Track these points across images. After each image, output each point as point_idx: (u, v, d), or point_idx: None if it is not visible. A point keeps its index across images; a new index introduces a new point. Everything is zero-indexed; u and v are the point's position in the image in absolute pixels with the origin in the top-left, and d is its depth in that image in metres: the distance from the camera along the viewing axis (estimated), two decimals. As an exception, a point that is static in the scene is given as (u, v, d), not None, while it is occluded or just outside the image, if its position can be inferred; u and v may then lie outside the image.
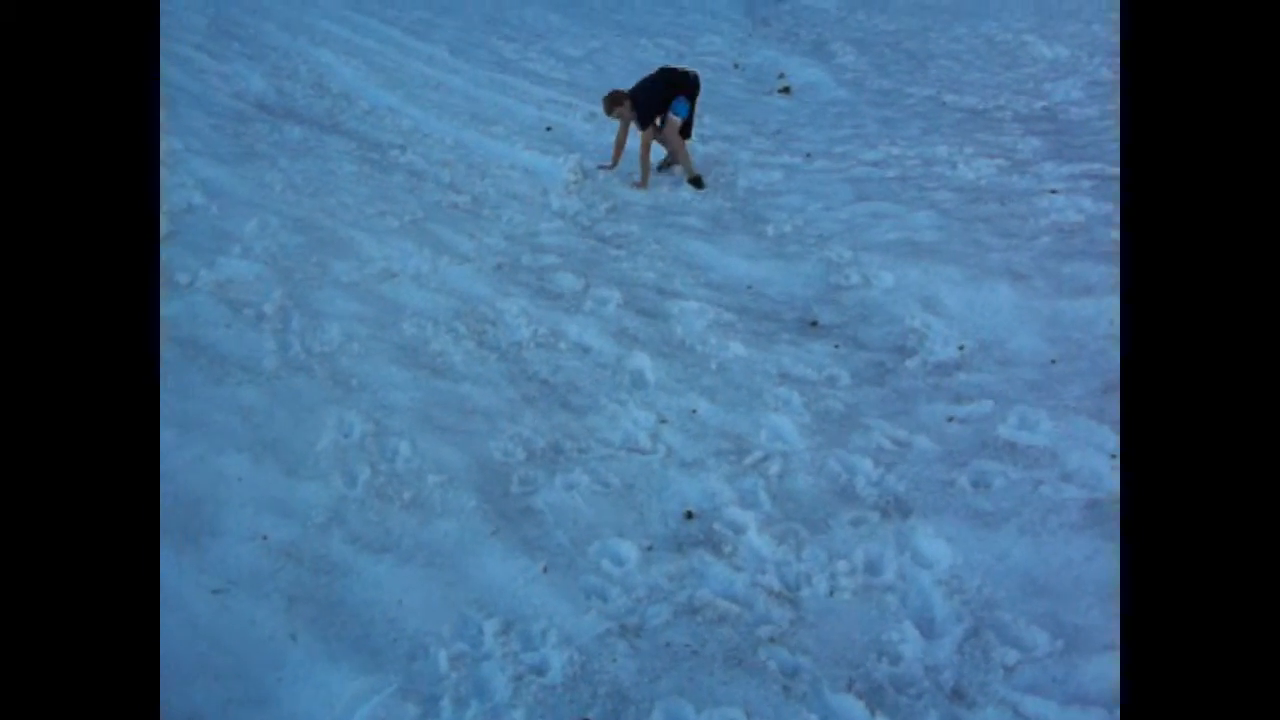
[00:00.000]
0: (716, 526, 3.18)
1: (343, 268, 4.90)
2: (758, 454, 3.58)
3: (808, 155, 7.82)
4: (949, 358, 4.39)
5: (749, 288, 5.30)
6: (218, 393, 3.63)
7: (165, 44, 8.30)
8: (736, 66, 13.52)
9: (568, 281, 5.13)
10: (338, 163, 6.60)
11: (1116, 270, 4.82)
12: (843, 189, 6.76)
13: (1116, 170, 6.78)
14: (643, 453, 3.59)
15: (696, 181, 7.19)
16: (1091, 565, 2.86)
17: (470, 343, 4.31)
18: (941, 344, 4.51)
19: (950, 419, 3.83)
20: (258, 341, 4.04)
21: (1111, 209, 5.85)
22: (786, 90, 11.61)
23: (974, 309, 4.75)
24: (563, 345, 4.40)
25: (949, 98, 10.68)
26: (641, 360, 4.25)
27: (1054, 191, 6.34)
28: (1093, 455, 3.41)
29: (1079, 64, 12.20)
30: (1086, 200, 6.06)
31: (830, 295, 5.14)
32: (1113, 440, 3.46)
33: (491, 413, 3.77)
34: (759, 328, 4.73)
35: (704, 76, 12.31)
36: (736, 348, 4.40)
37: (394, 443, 3.48)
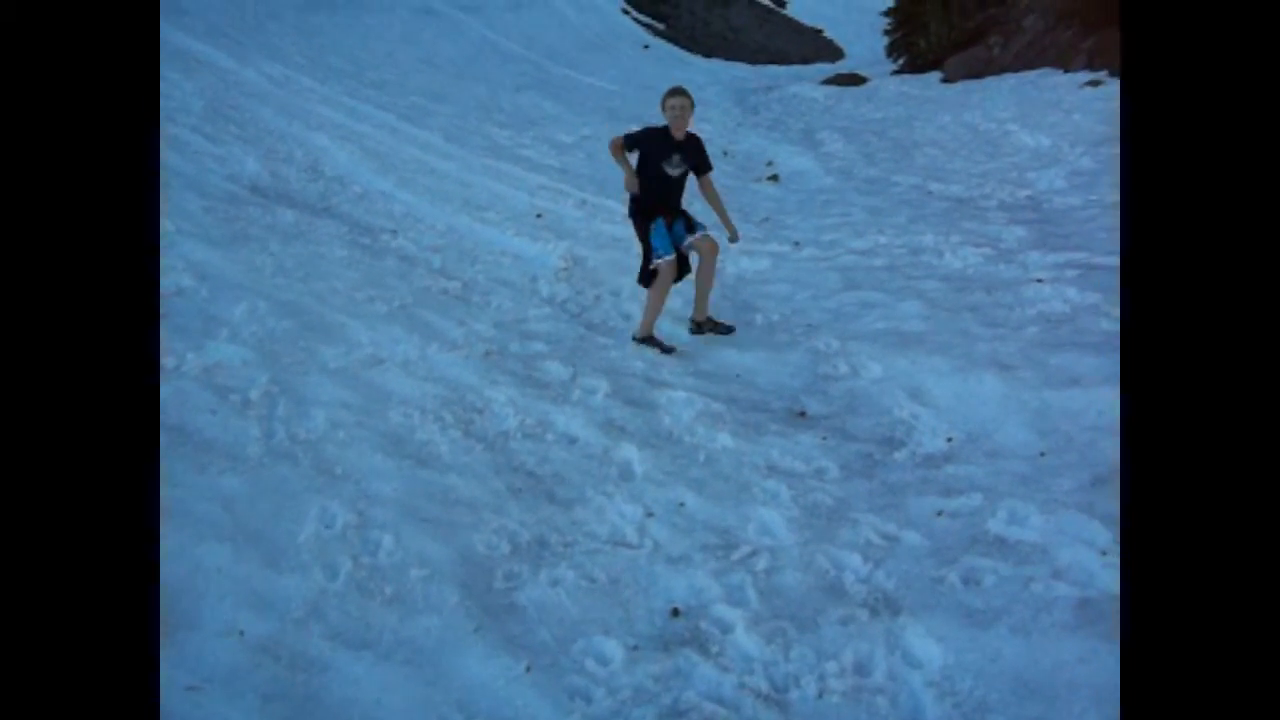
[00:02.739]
0: (703, 625, 3.13)
1: (330, 353, 4.88)
2: (745, 549, 3.53)
3: (796, 243, 7.92)
4: (937, 450, 4.37)
5: (737, 377, 5.31)
6: (200, 481, 3.58)
7: (162, 126, 8.38)
8: (726, 154, 13.73)
9: (556, 370, 5.12)
10: (329, 247, 6.63)
11: (1104, 361, 4.86)
12: (831, 277, 6.82)
13: (1101, 259, 6.86)
14: (629, 547, 3.54)
15: (650, 343, 5.77)
16: (1085, 668, 2.81)
17: (457, 432, 4.28)
18: (930, 435, 4.50)
19: (939, 513, 3.79)
20: (242, 428, 4.00)
21: (1098, 298, 5.90)
22: (775, 178, 11.80)
23: (962, 400, 4.75)
24: (550, 436, 4.38)
25: (935, 186, 10.85)
26: (629, 451, 4.23)
27: (1039, 281, 6.39)
28: (1083, 552, 3.38)
29: (1061, 153, 12.40)
30: (1072, 290, 6.11)
31: (818, 385, 5.14)
32: (1104, 536, 3.43)
33: (476, 504, 3.73)
34: (747, 418, 4.72)
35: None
36: (724, 439, 4.39)
37: (377, 535, 3.43)
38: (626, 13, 38.34)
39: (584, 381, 4.98)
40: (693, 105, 5.75)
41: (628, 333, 5.94)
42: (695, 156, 5.89)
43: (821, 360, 5.39)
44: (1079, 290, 6.09)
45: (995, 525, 3.63)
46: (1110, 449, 4.08)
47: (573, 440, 4.37)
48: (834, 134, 15.89)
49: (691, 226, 5.91)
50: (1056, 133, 13.79)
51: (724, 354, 5.55)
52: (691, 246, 5.88)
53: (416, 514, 3.59)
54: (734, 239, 6.15)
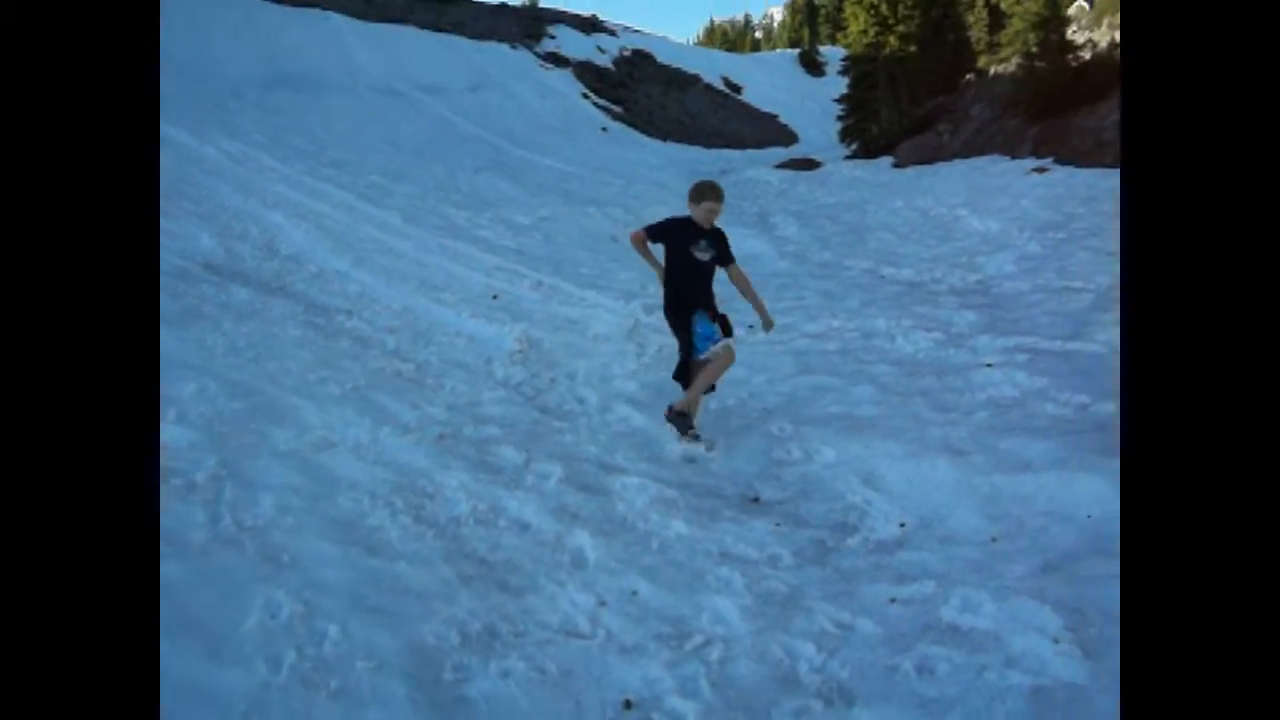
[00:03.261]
0: (656, 717, 3.08)
1: (281, 436, 4.81)
2: (699, 638, 3.50)
3: (750, 327, 7.98)
4: (890, 536, 4.38)
5: (692, 462, 5.31)
6: (139, 570, 3.48)
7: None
8: (681, 237, 13.90)
9: (509, 455, 5.09)
10: (283, 326, 6.59)
11: (1052, 445, 4.93)
12: (785, 361, 6.89)
13: (1048, 344, 7.00)
14: (581, 637, 3.49)
15: (678, 415, 5.50)
16: (1037, 761, 2.80)
17: (407, 518, 4.23)
18: (883, 521, 4.52)
19: (893, 600, 3.79)
20: (186, 513, 3.92)
21: (1045, 383, 6.01)
22: (730, 261, 11.93)
23: (914, 485, 4.79)
24: (502, 522, 4.33)
25: (887, 270, 11.05)
26: (582, 538, 4.19)
27: (989, 365, 6.51)
28: (1036, 639, 3.38)
29: (1009, 238, 12.70)
30: (1021, 374, 6.22)
31: (772, 470, 5.16)
32: (1055, 623, 3.44)
33: (426, 593, 3.66)
34: (701, 504, 4.71)
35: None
36: (678, 526, 4.37)
37: (323, 625, 3.35)
38: (586, 97, 39.05)
39: (537, 466, 4.95)
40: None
41: (582, 416, 5.93)
42: (721, 246, 5.81)
43: (775, 445, 5.41)
44: (1028, 375, 6.21)
45: (948, 613, 3.63)
46: (1061, 534, 4.13)
47: (525, 526, 4.33)
48: (788, 218, 16.19)
49: (727, 331, 5.72)
50: (1005, 218, 14.15)
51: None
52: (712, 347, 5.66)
53: (364, 603, 3.52)
54: (768, 327, 6.00)
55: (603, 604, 3.71)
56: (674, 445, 5.49)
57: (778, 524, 4.52)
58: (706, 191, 5.67)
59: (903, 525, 4.46)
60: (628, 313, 8.31)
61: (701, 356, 5.48)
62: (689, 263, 5.66)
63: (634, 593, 3.81)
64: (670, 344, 7.47)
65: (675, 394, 5.76)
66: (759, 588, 3.90)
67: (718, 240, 5.78)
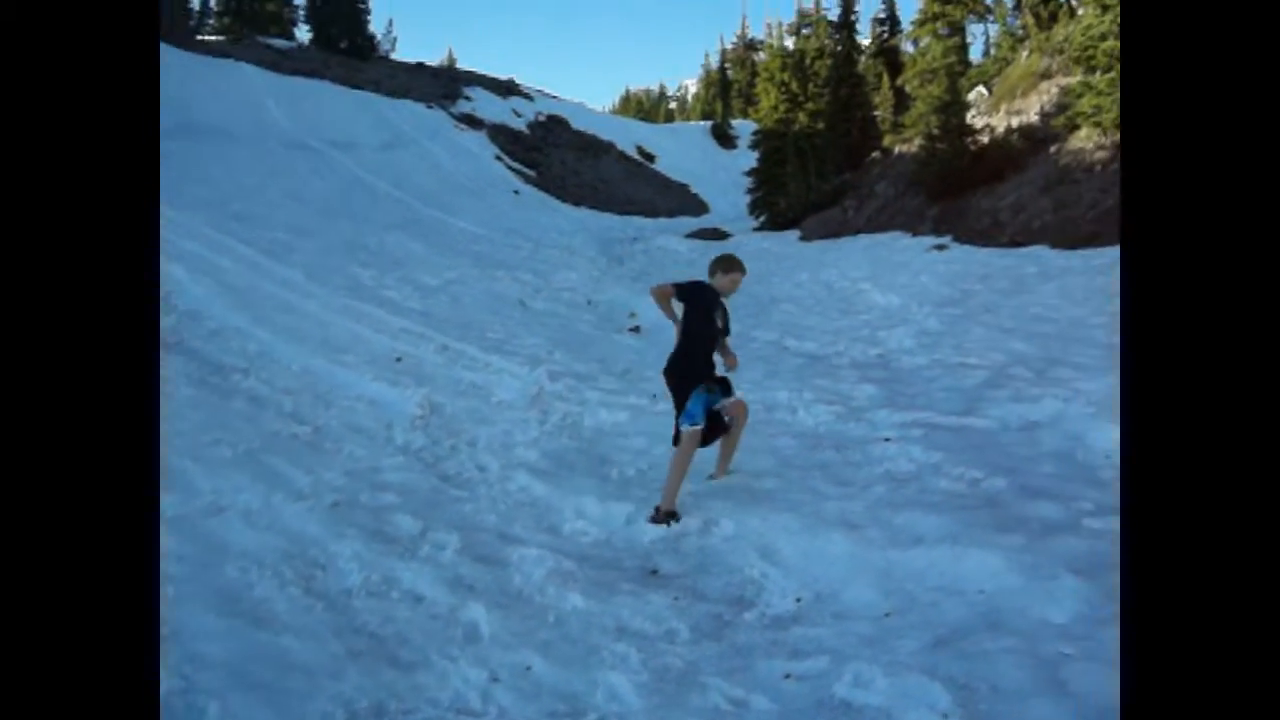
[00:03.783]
0: (546, 800, 3.02)
1: (168, 500, 4.66)
2: (592, 716, 3.45)
3: (654, 396, 8.04)
4: (786, 610, 4.40)
5: (589, 533, 5.28)
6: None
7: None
8: (590, 303, 13.97)
9: (405, 523, 5.00)
10: (174, 385, 6.41)
11: (944, 520, 5.03)
12: (687, 433, 6.93)
13: (943, 419, 7.18)
14: (473, 715, 3.42)
15: (662, 515, 5.40)
16: (924, 842, 2.82)
17: (296, 589, 4.11)
18: (779, 596, 4.53)
19: (787, 676, 3.80)
20: (61, 584, 3.75)
21: (940, 458, 6.15)
22: (637, 329, 12.03)
23: (810, 559, 4.82)
24: (394, 594, 4.24)
25: (790, 342, 11.23)
26: (476, 612, 4.12)
27: (887, 439, 6.64)
28: (926, 716, 3.41)
29: (909, 313, 13.04)
30: (917, 449, 6.35)
31: (671, 543, 5.15)
32: (944, 699, 3.47)
33: (313, 669, 3.55)
34: (599, 576, 4.68)
35: (558, 314, 12.77)
36: (575, 599, 4.33)
37: (203, 701, 3.22)
38: (500, 159, 39.21)
39: (434, 536, 4.87)
40: None
41: (482, 485, 5.86)
42: (726, 319, 5.98)
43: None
44: (923, 449, 6.34)
45: (841, 689, 3.64)
46: (952, 609, 4.19)
47: (419, 599, 4.24)
48: (696, 287, 16.40)
49: (728, 390, 5.91)
50: (906, 293, 14.54)
51: (579, 508, 5.52)
52: (724, 409, 5.87)
53: (247, 679, 3.40)
54: (731, 367, 6.05)
55: (495, 680, 3.64)
56: (574, 513, 5.46)
57: (676, 597, 4.51)
58: (738, 263, 5.94)
59: (799, 600, 4.48)
60: (532, 379, 8.28)
61: (683, 429, 5.61)
62: (707, 328, 5.82)
63: (528, 668, 3.75)
64: (574, 413, 7.48)
65: (580, 463, 5.75)
66: (655, 663, 3.87)
67: (725, 312, 5.97)
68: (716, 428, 5.85)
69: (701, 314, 5.81)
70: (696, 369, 5.77)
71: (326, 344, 8.56)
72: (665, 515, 5.38)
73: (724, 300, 5.93)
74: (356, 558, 4.47)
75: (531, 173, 39.41)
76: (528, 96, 50.86)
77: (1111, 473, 5.72)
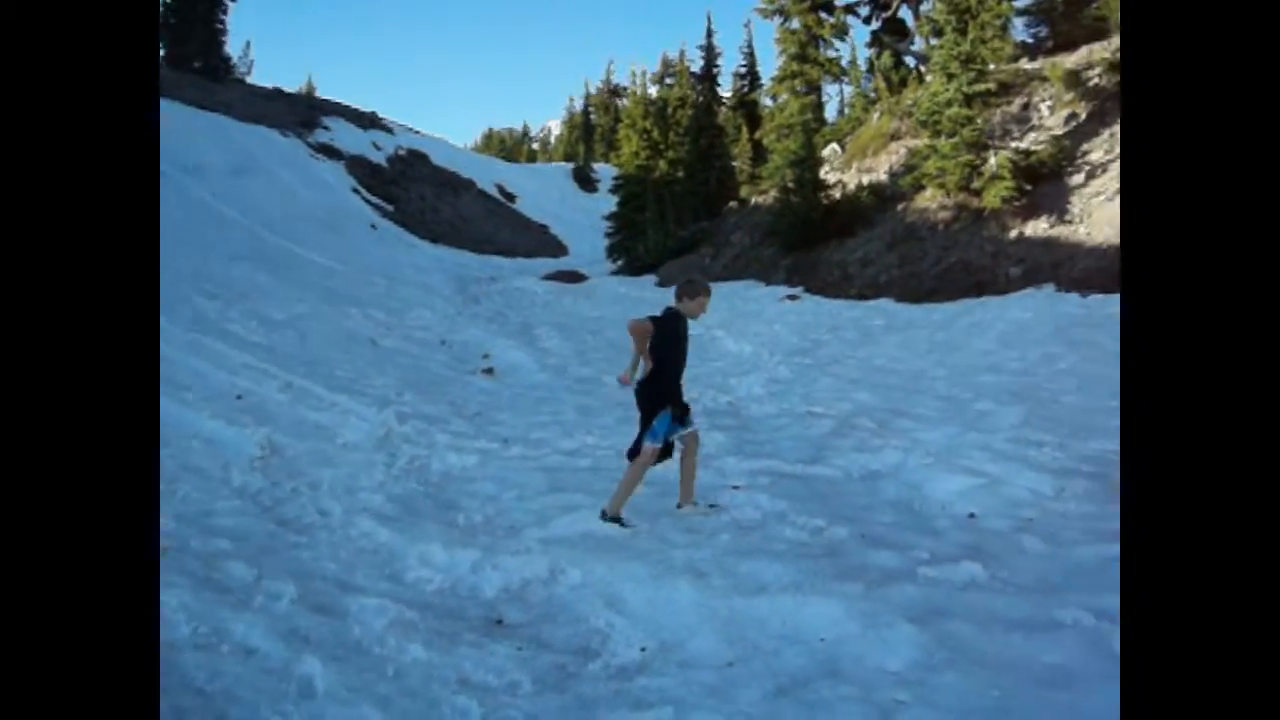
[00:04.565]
0: None
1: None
2: (429, 775, 3.36)
3: (505, 441, 7.97)
4: (631, 660, 4.38)
5: (433, 581, 5.16)
6: None
7: None
8: (444, 343, 13.78)
9: (239, 571, 4.78)
10: None
11: (788, 569, 5.11)
12: (537, 478, 6.87)
13: (789, 468, 7.34)
14: (302, 776, 3.27)
15: (615, 520, 5.97)
16: None
17: (116, 643, 3.87)
18: (624, 645, 4.51)
19: (630, 728, 3.78)
20: None
21: (785, 506, 6.27)
22: (490, 371, 11.92)
23: (656, 608, 4.82)
24: (225, 647, 4.03)
25: (642, 388, 11.28)
26: (312, 665, 3.95)
27: (735, 488, 6.73)
28: (764, 765, 3.46)
29: (761, 361, 13.31)
30: (763, 497, 6.46)
31: (518, 592, 5.08)
32: (785, 749, 3.53)
33: (129, 730, 3.34)
34: (441, 627, 4.57)
35: (410, 353, 12.55)
36: (416, 650, 4.21)
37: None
38: (357, 191, 38.45)
39: (269, 585, 4.67)
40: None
41: (323, 530, 5.67)
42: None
43: (523, 565, 5.35)
44: (770, 497, 6.46)
45: (683, 740, 3.65)
46: (793, 657, 4.25)
47: (250, 652, 4.05)
48: (551, 330, 16.38)
49: (686, 422, 6.23)
50: (758, 341, 14.86)
51: (423, 556, 5.39)
52: (681, 437, 6.22)
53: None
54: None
55: (328, 739, 3.50)
56: (418, 561, 5.33)
57: (520, 648, 4.44)
58: (702, 287, 6.29)
59: (644, 649, 4.47)
60: (380, 421, 8.09)
61: (643, 446, 6.04)
62: (682, 352, 6.21)
63: (363, 726, 3.62)
64: (422, 456, 7.33)
65: (426, 509, 5.62)
66: (496, 717, 3.79)
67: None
68: (665, 451, 6.21)
69: (674, 341, 6.14)
70: (670, 392, 6.15)
71: (164, 380, 8.16)
72: (611, 519, 5.92)
73: (694, 319, 6.29)
74: (184, 608, 4.24)
75: (390, 207, 38.79)
76: (388, 130, 50.15)
77: (946, 522, 5.95)
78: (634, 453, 6.13)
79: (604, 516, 5.95)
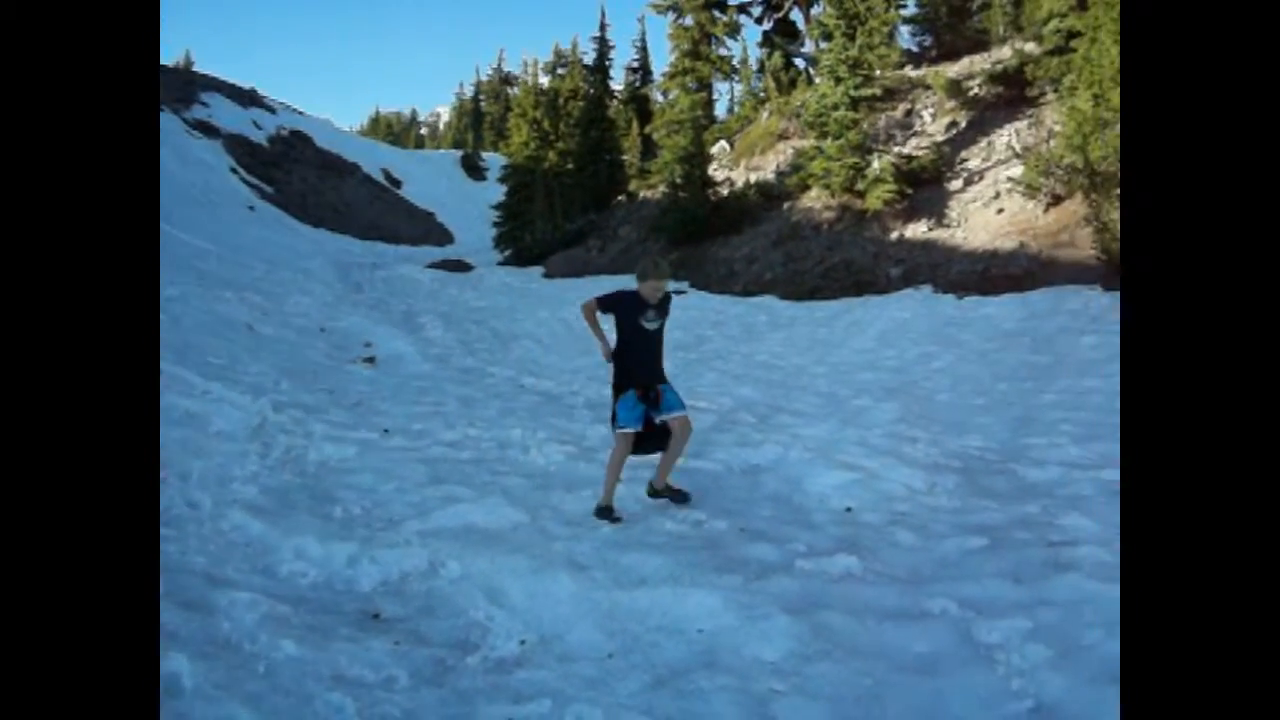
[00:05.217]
0: None
1: None
2: (301, 773, 3.28)
3: (385, 431, 7.82)
4: (510, 653, 4.36)
5: (308, 575, 5.04)
6: None
7: None
8: (323, 331, 13.46)
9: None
10: None
11: (667, 561, 5.16)
12: (417, 470, 6.77)
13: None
14: (165, 778, 3.16)
15: (605, 512, 5.97)
16: None
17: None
18: (504, 638, 4.48)
19: (509, 721, 3.76)
20: None
21: (666, 500, 6.32)
22: (371, 360, 11.70)
23: (536, 601, 4.81)
24: (82, 644, 3.87)
25: (528, 380, 11.26)
26: (178, 663, 3.81)
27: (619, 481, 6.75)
28: (643, 757, 3.48)
29: (644, 356, 13.30)
30: (643, 490, 6.50)
31: (396, 585, 5.00)
32: (661, 740, 3.55)
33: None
34: (316, 621, 4.46)
35: (288, 340, 12.23)
36: (289, 646, 4.10)
37: None
38: (235, 172, 37.25)
39: (133, 579, 4.49)
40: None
41: (192, 523, 5.47)
42: (665, 308, 6.15)
43: (402, 558, 5.26)
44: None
45: (561, 732, 3.65)
46: (672, 649, 4.29)
47: (111, 649, 3.89)
48: (436, 319, 16.15)
49: (668, 406, 6.06)
50: (642, 336, 14.87)
51: (299, 549, 5.25)
52: (668, 421, 6.06)
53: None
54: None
55: (195, 738, 3.38)
56: (294, 555, 5.20)
57: (397, 643, 4.37)
58: (650, 271, 6.03)
59: (523, 642, 4.45)
60: (255, 409, 7.86)
61: (616, 432, 6.02)
62: (638, 334, 6.05)
63: (232, 724, 3.51)
64: (298, 446, 7.15)
65: (302, 501, 5.46)
66: (371, 713, 3.72)
67: (663, 305, 6.14)
68: (660, 437, 6.10)
69: (626, 318, 6.05)
70: (627, 376, 6.07)
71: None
72: (603, 511, 5.95)
73: (653, 301, 6.05)
74: (39, 604, 4.05)
75: (270, 189, 37.68)
76: (270, 109, 48.67)
77: (824, 516, 6.09)
78: (644, 446, 6.15)
79: (596, 511, 5.97)
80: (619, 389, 6.10)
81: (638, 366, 6.10)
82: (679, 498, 6.29)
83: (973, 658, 4.05)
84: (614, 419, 6.09)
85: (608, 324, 6.27)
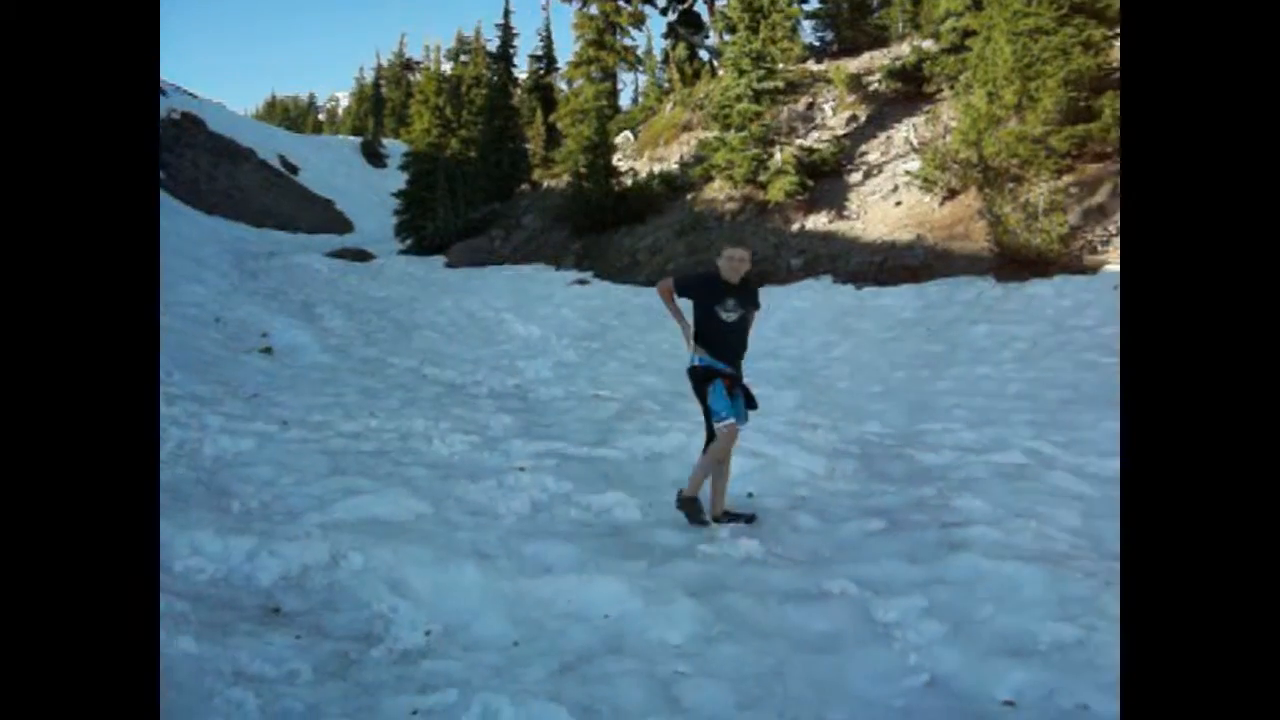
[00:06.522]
0: None
1: None
2: (201, 770, 3.21)
3: (284, 423, 7.67)
4: (415, 644, 4.33)
5: (205, 571, 4.92)
6: None
7: None
8: (218, 320, 13.10)
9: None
10: None
11: (572, 549, 5.19)
12: (318, 462, 6.66)
13: (575, 450, 7.42)
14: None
15: (690, 506, 5.65)
16: None
17: None
18: (408, 629, 4.45)
19: (414, 712, 3.74)
20: None
21: (570, 487, 6.35)
22: (268, 351, 11.44)
23: (441, 591, 4.79)
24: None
25: (430, 370, 11.16)
26: (67, 662, 3.70)
27: (521, 469, 6.75)
28: (547, 744, 3.50)
29: (549, 345, 13.37)
30: (549, 478, 6.52)
31: (297, 579, 4.91)
32: (568, 725, 3.58)
33: None
34: (214, 618, 4.36)
35: (180, 330, 11.88)
36: (186, 643, 4.00)
37: None
38: (121, 157, 35.84)
39: (19, 577, 4.33)
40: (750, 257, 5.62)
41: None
42: (749, 299, 5.66)
43: (302, 551, 5.17)
44: (555, 479, 6.52)
45: (468, 722, 3.65)
46: (578, 635, 4.32)
47: None
48: (335, 309, 15.86)
49: (750, 402, 5.70)
50: (547, 325, 14.91)
51: (194, 545, 5.12)
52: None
53: None
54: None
55: (86, 739, 3.28)
56: (189, 550, 5.06)
57: (299, 636, 4.30)
58: (735, 241, 5.58)
59: (428, 633, 4.43)
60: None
61: (717, 428, 5.52)
62: (714, 324, 5.56)
63: (125, 723, 3.42)
64: (192, 440, 6.96)
65: (197, 495, 5.33)
66: (273, 708, 3.66)
67: (746, 295, 5.64)
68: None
69: (704, 312, 5.59)
70: (712, 369, 5.61)
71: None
72: (685, 501, 5.65)
73: (741, 282, 5.61)
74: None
75: (160, 174, 36.39)
76: (160, 91, 47.00)
77: (726, 502, 6.18)
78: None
79: (679, 499, 5.69)
80: (705, 377, 5.60)
81: (716, 350, 5.61)
82: (743, 519, 5.77)
83: (871, 635, 4.17)
84: (707, 414, 5.61)
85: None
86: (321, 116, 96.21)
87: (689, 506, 5.66)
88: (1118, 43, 17.26)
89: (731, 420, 5.52)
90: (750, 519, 5.75)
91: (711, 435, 5.67)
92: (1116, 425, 7.58)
